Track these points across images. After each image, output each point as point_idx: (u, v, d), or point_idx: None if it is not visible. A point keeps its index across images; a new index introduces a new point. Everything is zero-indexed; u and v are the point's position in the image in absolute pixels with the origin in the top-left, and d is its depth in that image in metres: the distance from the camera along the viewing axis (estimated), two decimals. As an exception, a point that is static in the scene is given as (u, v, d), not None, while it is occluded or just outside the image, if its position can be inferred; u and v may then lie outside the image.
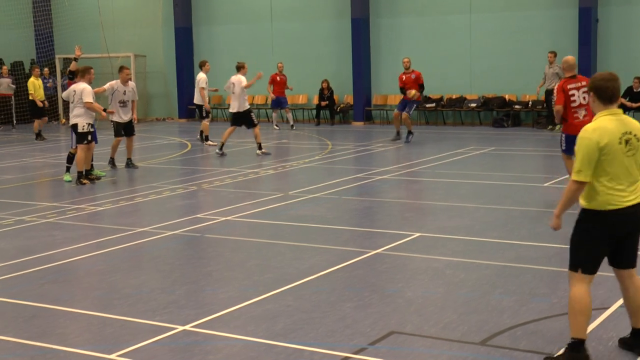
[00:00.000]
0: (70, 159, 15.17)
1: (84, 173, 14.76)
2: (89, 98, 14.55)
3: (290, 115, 25.49)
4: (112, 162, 16.59)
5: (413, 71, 20.47)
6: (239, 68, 18.67)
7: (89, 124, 14.72)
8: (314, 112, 27.21)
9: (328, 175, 15.16)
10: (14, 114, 27.84)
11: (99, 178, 15.09)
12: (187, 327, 6.74)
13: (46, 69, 28.08)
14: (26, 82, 27.72)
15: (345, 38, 26.63)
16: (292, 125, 25.28)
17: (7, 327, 6.96)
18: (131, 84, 16.41)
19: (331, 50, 27.16)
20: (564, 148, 12.08)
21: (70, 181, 14.97)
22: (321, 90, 26.57)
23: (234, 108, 18.45)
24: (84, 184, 14.61)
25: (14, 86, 27.37)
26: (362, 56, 26.24)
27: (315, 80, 26.89)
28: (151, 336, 6.55)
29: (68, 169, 15.19)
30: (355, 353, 6.13)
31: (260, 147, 18.36)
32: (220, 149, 18.43)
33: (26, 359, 6.23)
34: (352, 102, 26.79)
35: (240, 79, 18.31)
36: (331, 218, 11.33)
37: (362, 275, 8.34)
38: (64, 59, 29.82)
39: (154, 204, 12.84)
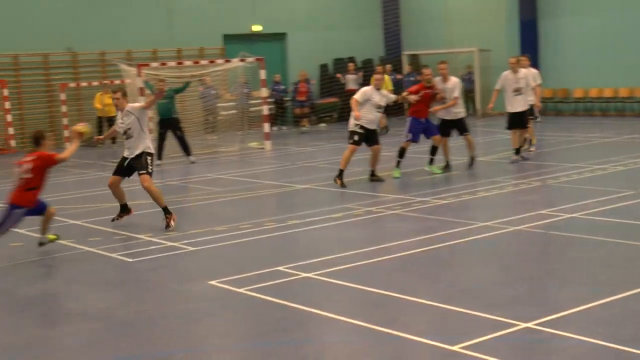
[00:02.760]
0: (402, 153, 15.37)
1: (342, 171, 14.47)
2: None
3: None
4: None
5: None
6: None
7: (356, 124, 14.47)
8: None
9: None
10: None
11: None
12: (529, 325, 6.65)
13: (389, 65, 29.05)
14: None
15: None
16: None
17: (357, 312, 7.36)
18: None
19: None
20: None
21: (398, 177, 15.11)
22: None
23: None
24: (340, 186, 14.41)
25: (360, 81, 28.73)
26: None
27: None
28: (492, 331, 6.55)
29: (398, 164, 15.32)
30: None
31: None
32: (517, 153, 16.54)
33: (373, 342, 6.54)
34: None
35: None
36: (687, 219, 10.53)
37: None
38: (411, 56, 30.76)
39: (496, 198, 12.81)
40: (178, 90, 20.05)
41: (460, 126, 15.89)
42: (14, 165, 10.58)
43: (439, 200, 12.76)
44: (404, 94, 15.67)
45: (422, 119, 15.43)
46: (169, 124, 19.26)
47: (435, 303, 7.42)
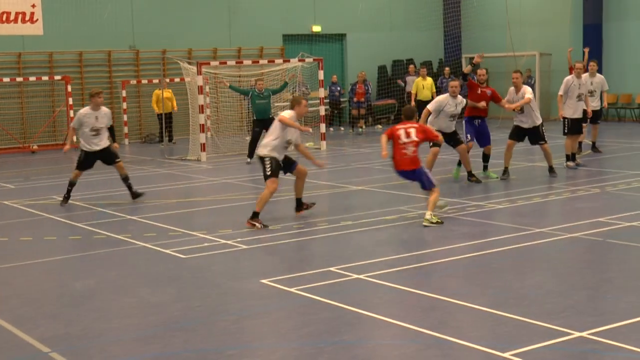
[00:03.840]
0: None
1: None
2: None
3: None
4: None
5: None
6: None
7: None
8: None
9: None
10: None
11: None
12: (583, 334, 6.53)
13: (447, 68, 28.88)
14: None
15: None
16: None
17: (407, 315, 7.32)
18: None
19: None
20: None
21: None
22: None
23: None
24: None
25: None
26: None
27: None
28: (545, 339, 6.45)
29: (459, 164, 15.24)
30: None
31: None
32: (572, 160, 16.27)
33: (422, 347, 6.49)
34: None
35: None
36: None
37: None
38: (470, 58, 30.51)
39: (553, 205, 12.63)
40: (276, 91, 20.33)
41: (536, 134, 15.23)
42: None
43: (494, 205, 12.62)
44: (466, 69, 15.27)
45: (475, 121, 15.18)
46: (265, 125, 18.67)
47: (487, 309, 7.34)
